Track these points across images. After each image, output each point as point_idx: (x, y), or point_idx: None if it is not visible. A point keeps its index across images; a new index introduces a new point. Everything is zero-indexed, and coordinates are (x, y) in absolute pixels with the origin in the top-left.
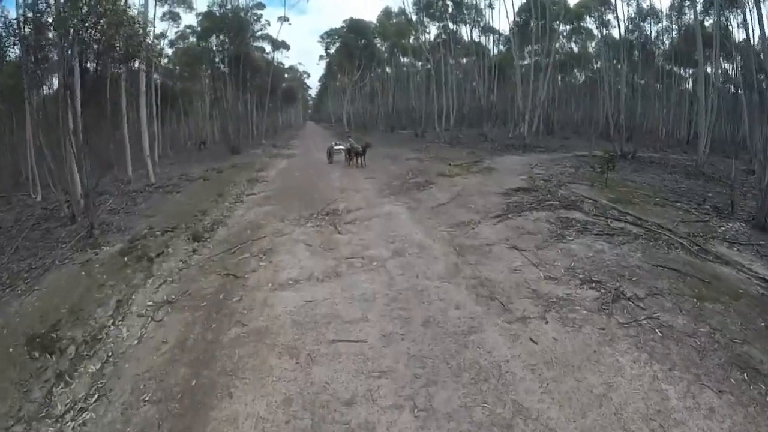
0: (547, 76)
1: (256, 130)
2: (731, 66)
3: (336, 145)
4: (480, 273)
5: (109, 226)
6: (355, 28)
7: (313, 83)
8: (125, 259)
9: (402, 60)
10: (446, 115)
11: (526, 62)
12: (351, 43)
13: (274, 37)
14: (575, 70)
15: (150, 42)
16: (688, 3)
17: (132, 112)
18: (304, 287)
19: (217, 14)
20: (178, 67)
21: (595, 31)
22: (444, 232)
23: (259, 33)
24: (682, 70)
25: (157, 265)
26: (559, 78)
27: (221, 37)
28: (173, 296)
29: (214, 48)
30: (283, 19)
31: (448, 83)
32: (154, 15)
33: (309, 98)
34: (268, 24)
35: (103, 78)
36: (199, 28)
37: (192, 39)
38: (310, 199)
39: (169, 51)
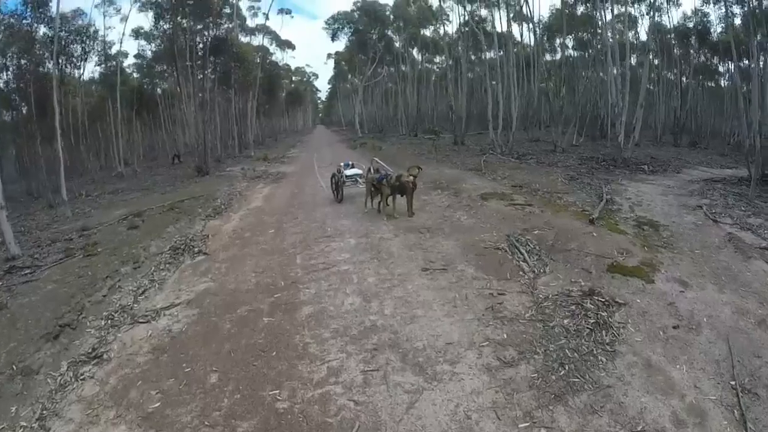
0: (648, 64)
1: (252, 136)
2: None
3: (348, 167)
4: None
5: None
6: (368, 11)
7: (323, 86)
8: None
9: (417, 57)
10: (504, 117)
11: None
12: (364, 30)
13: (273, 30)
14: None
15: None
16: None
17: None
18: None
19: None
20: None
21: (645, 17)
22: None
23: (254, 25)
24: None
25: None
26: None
27: (181, 19)
28: None
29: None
30: (285, 11)
31: (504, 78)
32: None
33: (318, 101)
34: (266, 16)
35: None
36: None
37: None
38: (269, 406)
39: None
